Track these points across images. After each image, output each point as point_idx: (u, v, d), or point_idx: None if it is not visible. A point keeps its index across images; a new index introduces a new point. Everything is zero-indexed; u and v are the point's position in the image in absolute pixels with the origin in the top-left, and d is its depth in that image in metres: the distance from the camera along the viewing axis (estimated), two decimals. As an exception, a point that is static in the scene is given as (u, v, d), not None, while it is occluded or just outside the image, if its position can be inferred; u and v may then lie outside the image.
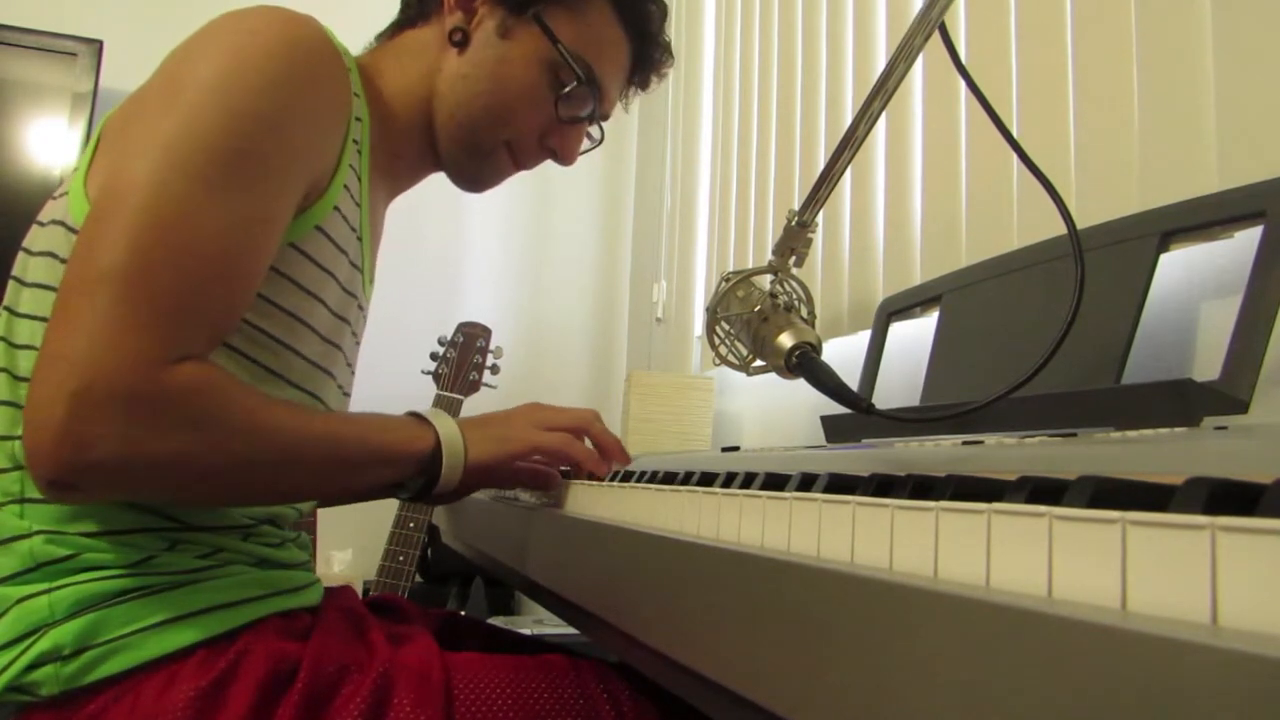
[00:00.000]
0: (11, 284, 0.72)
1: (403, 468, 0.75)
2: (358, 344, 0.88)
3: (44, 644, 0.62)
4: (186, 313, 0.62)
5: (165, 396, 0.60)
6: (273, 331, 0.72)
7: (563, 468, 0.85)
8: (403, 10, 0.90)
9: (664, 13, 0.93)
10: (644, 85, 0.95)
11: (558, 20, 0.84)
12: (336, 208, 0.75)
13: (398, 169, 0.89)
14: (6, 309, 0.71)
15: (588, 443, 0.83)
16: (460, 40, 0.84)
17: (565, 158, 0.91)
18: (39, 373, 0.59)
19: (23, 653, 0.62)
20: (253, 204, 0.65)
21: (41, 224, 0.72)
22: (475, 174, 0.91)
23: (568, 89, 0.85)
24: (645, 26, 0.90)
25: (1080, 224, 0.62)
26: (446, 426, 0.76)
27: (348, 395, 0.86)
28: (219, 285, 0.64)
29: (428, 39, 0.87)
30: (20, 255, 0.73)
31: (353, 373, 0.88)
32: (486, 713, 0.69)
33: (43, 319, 0.68)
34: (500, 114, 0.86)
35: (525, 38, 0.84)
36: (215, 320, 0.65)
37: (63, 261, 0.68)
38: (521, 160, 0.90)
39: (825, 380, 0.60)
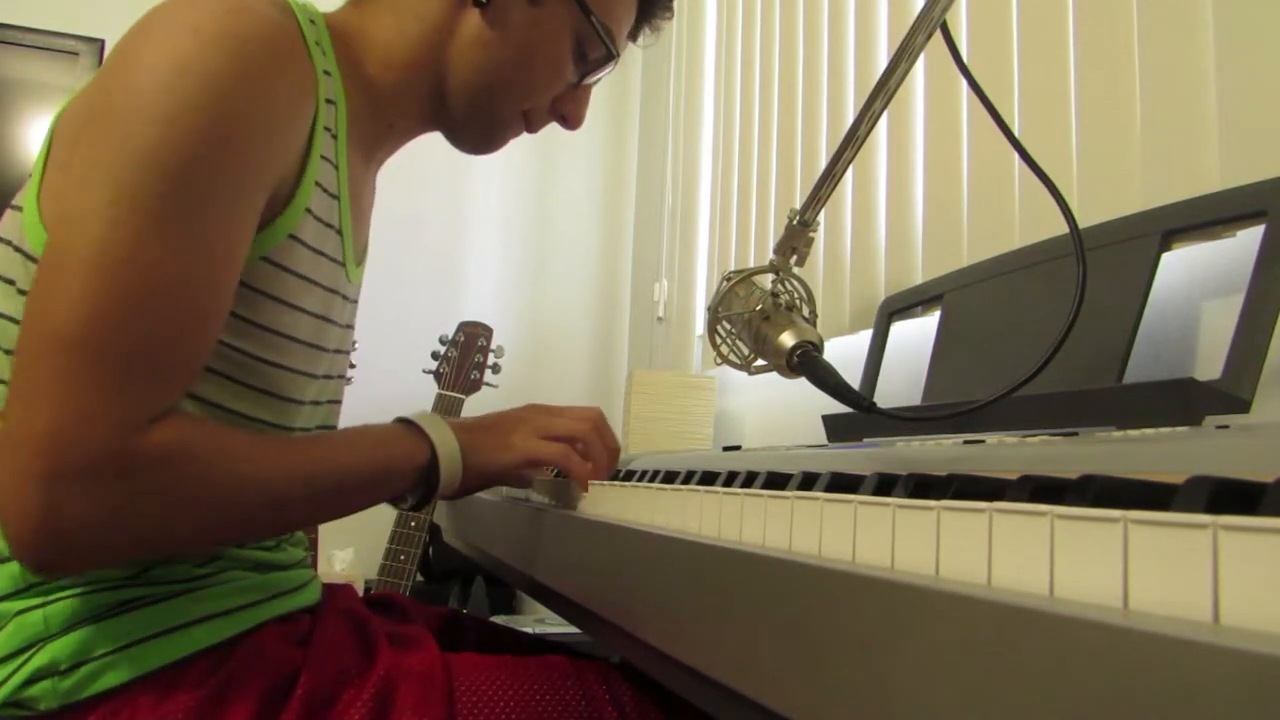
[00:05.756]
0: None
1: (400, 484, 0.73)
2: (349, 327, 0.84)
3: (41, 659, 0.61)
4: (153, 369, 0.58)
5: (140, 466, 0.56)
6: (250, 350, 0.67)
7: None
8: None
9: None
10: (634, 37, 0.91)
11: None
12: (308, 209, 0.70)
13: (386, 136, 0.84)
14: None
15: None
16: (484, 1, 0.78)
17: (575, 123, 0.88)
18: (4, 455, 0.56)
19: (20, 668, 0.61)
20: (209, 232, 0.60)
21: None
22: (484, 140, 0.86)
23: (591, 58, 0.83)
24: None
25: (1082, 223, 0.62)
26: (442, 437, 0.73)
27: (338, 402, 0.84)
28: (185, 333, 0.60)
29: None
30: None
31: (346, 355, 0.84)
32: (489, 715, 0.68)
33: None
34: (525, 83, 0.82)
35: (555, 4, 0.79)
36: (184, 370, 0.61)
37: (18, 290, 0.64)
38: (534, 126, 0.87)
39: (827, 379, 0.60)
